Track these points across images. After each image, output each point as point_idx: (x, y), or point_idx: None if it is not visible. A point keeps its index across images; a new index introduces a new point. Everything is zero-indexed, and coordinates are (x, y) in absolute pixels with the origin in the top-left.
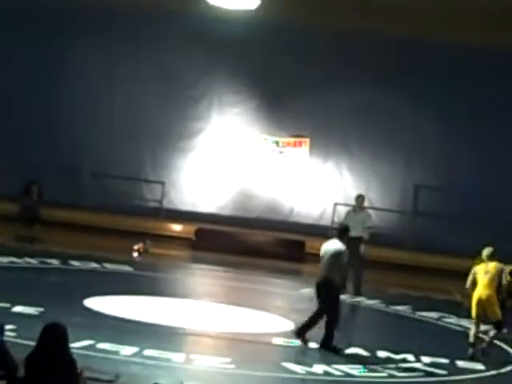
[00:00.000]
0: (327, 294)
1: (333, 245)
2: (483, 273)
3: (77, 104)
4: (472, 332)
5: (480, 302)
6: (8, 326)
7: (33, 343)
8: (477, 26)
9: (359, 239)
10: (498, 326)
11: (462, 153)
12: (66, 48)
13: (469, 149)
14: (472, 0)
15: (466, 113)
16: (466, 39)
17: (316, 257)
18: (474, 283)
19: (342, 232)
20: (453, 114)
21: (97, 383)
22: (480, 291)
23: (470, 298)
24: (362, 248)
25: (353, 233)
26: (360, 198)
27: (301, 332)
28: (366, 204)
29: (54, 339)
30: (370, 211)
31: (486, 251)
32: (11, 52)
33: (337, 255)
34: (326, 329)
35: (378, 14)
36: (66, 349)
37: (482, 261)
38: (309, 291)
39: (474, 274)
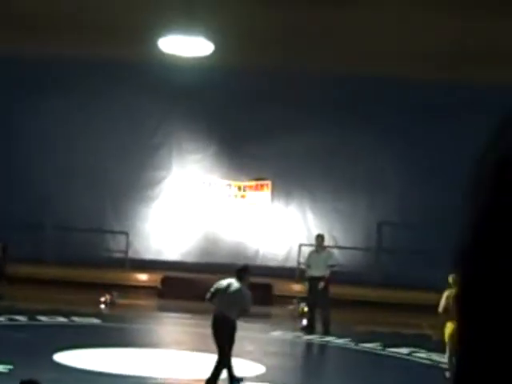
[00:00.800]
0: (224, 332)
1: (231, 284)
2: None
3: (37, 158)
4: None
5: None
6: None
7: None
8: (438, 67)
9: (323, 278)
10: None
11: (423, 189)
12: (23, 101)
13: (430, 185)
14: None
15: (427, 152)
16: (427, 80)
17: (284, 299)
18: (447, 308)
19: (240, 272)
20: (413, 152)
21: None
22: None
23: (446, 320)
24: (321, 285)
25: (316, 272)
26: (319, 238)
27: (232, 377)
28: (330, 243)
29: None
30: (333, 250)
31: (453, 277)
32: None
33: (233, 294)
34: (216, 369)
35: (335, 56)
36: None
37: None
38: (279, 334)
39: (448, 299)
